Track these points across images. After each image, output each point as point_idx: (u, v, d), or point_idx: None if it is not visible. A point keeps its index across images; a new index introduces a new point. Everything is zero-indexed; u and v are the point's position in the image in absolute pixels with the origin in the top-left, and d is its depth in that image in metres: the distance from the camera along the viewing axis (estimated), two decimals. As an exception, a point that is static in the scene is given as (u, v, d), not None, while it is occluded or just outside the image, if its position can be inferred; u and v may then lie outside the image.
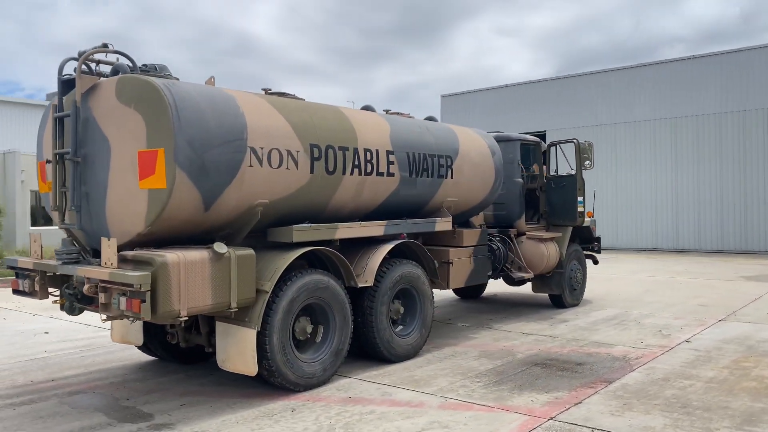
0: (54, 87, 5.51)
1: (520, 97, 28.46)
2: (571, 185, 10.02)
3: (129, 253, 4.97)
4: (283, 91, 6.73)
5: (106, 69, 5.58)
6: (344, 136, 6.29)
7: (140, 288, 4.63)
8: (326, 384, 5.98)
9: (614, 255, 21.80)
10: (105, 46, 5.47)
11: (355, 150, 6.36)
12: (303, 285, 5.74)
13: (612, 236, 24.79)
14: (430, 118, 8.75)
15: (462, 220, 8.51)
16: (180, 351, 6.66)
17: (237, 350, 5.48)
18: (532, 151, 10.43)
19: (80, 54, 5.44)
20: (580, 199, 10.06)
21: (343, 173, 6.24)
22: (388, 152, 6.78)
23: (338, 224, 6.24)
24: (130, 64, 5.42)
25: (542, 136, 27.42)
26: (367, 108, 7.71)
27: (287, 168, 5.67)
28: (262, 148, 5.44)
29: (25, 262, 5.68)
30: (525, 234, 9.79)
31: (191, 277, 4.93)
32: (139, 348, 6.93)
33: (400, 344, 6.83)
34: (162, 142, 4.87)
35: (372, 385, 5.98)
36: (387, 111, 8.25)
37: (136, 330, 6.45)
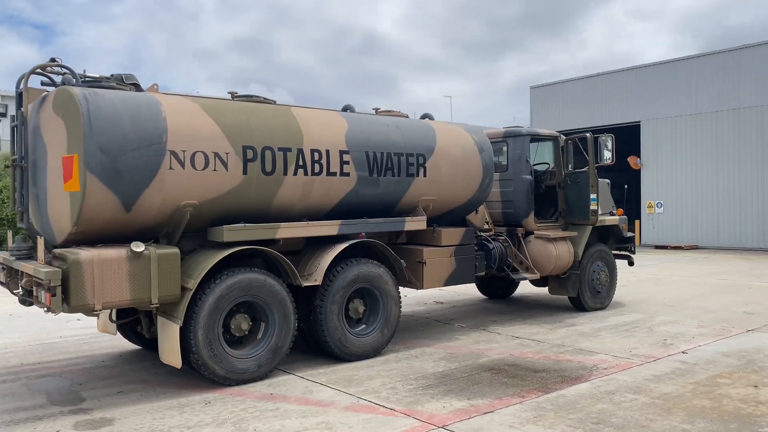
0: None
1: (612, 86, 26.94)
2: (585, 182, 9.44)
3: (57, 251, 5.40)
4: (252, 94, 7.00)
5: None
6: (287, 137, 6.39)
7: (50, 283, 5.04)
8: (262, 380, 6.13)
9: (707, 254, 20.14)
10: (53, 60, 5.95)
11: (300, 150, 6.45)
12: (234, 283, 5.93)
13: (713, 235, 22.96)
14: (426, 116, 8.63)
15: (451, 219, 8.31)
16: (152, 340, 7.08)
17: (167, 344, 5.78)
18: (551, 146, 9.95)
19: (36, 68, 5.97)
20: (593, 196, 9.45)
21: (285, 173, 6.34)
22: (342, 152, 6.79)
23: (280, 224, 6.36)
24: (74, 78, 5.84)
25: (635, 127, 25.84)
26: (346, 108, 7.78)
27: (214, 170, 5.87)
28: (184, 151, 5.68)
29: (-1, 256, 6.32)
30: (533, 233, 9.36)
31: (107, 273, 5.27)
32: (125, 337, 7.47)
33: (355, 343, 6.84)
34: (76, 148, 5.25)
35: (303, 383, 6.06)
36: (377, 110, 8.26)
37: (110, 322, 6.94)
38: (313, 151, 6.55)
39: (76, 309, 5.18)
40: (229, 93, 7.01)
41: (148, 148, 5.49)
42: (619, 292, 11.68)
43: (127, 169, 5.40)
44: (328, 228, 6.74)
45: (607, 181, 11.17)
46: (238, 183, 6.05)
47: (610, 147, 9.67)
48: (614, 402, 5.38)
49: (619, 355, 7.00)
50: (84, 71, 6.20)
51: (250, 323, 6.20)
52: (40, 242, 5.48)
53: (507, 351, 7.28)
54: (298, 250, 7.00)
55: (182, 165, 5.68)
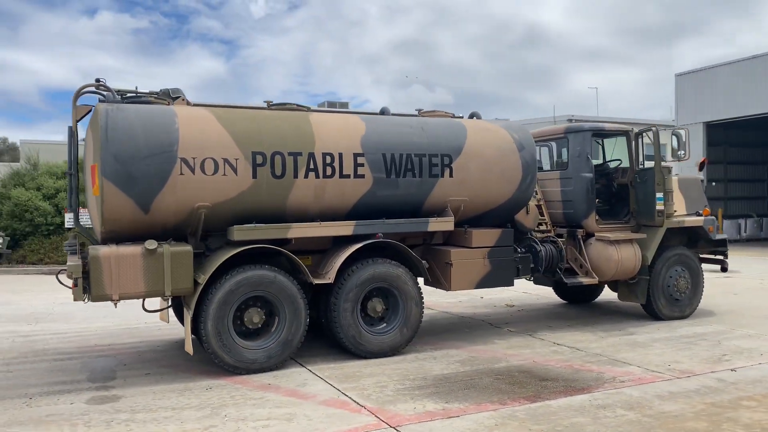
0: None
1: (771, 71, 24.02)
2: (651, 180, 8.71)
3: (89, 248, 6.21)
4: (287, 102, 7.47)
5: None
6: (298, 142, 6.72)
7: (72, 275, 5.83)
8: (272, 370, 6.51)
9: None
10: (98, 81, 6.79)
11: (311, 155, 6.74)
12: (243, 279, 6.38)
13: None
14: (474, 115, 8.54)
15: (494, 220, 8.11)
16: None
17: (187, 333, 6.39)
18: (621, 141, 9.31)
19: (98, 82, 6.83)
20: (659, 195, 8.67)
21: (295, 177, 6.68)
22: (356, 155, 6.98)
23: (291, 224, 6.70)
24: (115, 95, 6.62)
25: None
26: (383, 111, 7.98)
27: (224, 174, 6.36)
28: (194, 158, 6.23)
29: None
30: (594, 234, 8.83)
31: (123, 267, 5.97)
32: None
33: (371, 341, 7.00)
34: (97, 158, 6.00)
35: (305, 376, 6.35)
36: (420, 111, 8.34)
37: (166, 312, 7.76)
38: (325, 154, 6.81)
39: (96, 298, 5.93)
40: (265, 102, 7.52)
41: (160, 156, 6.11)
42: (718, 301, 10.61)
43: (141, 175, 6.05)
44: (343, 228, 6.96)
45: (701, 178, 10.17)
46: (248, 186, 6.49)
47: (682, 141, 8.81)
48: (596, 416, 5.03)
49: (653, 369, 6.45)
50: (136, 87, 7.03)
51: (264, 317, 6.61)
52: (80, 239, 6.33)
53: (533, 357, 7.01)
54: (325, 250, 7.30)
55: (192, 171, 6.23)
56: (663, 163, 9.00)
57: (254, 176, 6.50)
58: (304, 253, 7.25)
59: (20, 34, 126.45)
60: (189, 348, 6.31)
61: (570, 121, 40.58)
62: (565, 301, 11.01)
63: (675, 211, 9.20)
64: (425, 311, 10.21)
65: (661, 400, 5.43)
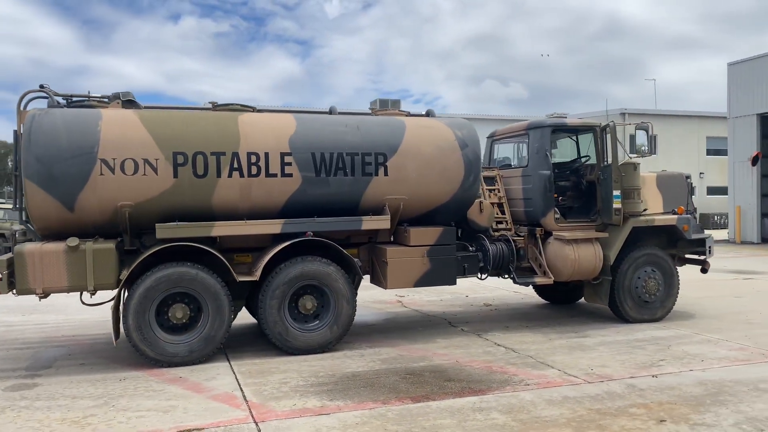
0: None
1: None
2: (609, 177, 8.38)
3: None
4: (233, 103, 7.70)
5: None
6: (222, 141, 6.89)
7: (-1, 269, 6.25)
8: (195, 364, 6.72)
9: None
10: (41, 87, 7.19)
11: (235, 154, 6.91)
12: (163, 276, 6.63)
13: None
14: (429, 113, 8.50)
15: (442, 219, 8.02)
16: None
17: (113, 326, 6.71)
18: (590, 137, 9.00)
19: (41, 88, 7.26)
20: (616, 193, 8.33)
21: (218, 176, 6.86)
22: (284, 154, 7.09)
23: (215, 222, 6.88)
24: (55, 100, 7.00)
25: None
26: (331, 110, 8.05)
27: (144, 174, 6.62)
28: (114, 159, 6.52)
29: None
30: (552, 233, 8.59)
31: (47, 263, 6.34)
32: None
33: (298, 338, 7.10)
34: (21, 160, 6.38)
35: (220, 371, 6.52)
36: (374, 110, 8.38)
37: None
38: (250, 154, 6.96)
39: (21, 292, 6.32)
40: (209, 103, 7.76)
41: (80, 157, 6.43)
42: (711, 304, 10.09)
43: (62, 175, 6.38)
44: (270, 227, 7.08)
45: (686, 174, 9.70)
46: (170, 186, 6.72)
47: (649, 136, 8.43)
48: (464, 419, 4.96)
49: (572, 373, 6.25)
50: (89, 92, 7.41)
51: (190, 313, 6.83)
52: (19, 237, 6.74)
53: (459, 358, 6.93)
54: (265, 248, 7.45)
55: (112, 171, 6.52)
56: (630, 159, 8.66)
57: (175, 176, 6.72)
58: (245, 251, 7.45)
59: (111, 41, 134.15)
60: (113, 340, 6.61)
61: (623, 115, 39.18)
62: (546, 302, 10.74)
63: (645, 209, 8.83)
64: (394, 308, 10.28)
65: (548, 405, 5.27)
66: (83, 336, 8.47)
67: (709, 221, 37.94)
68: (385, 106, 46.58)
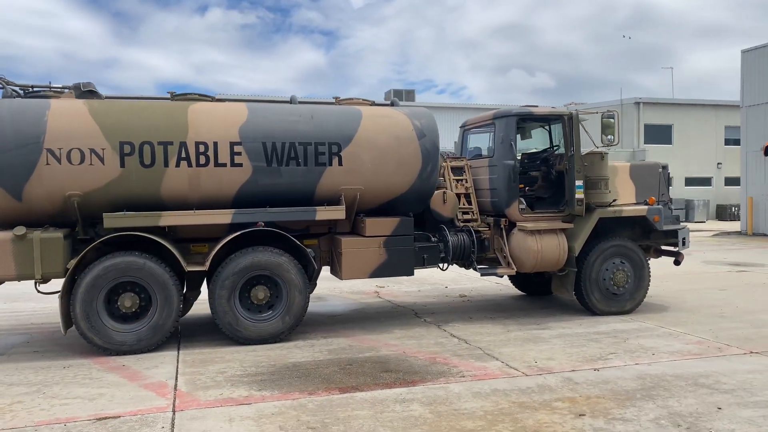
0: None
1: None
2: (571, 167, 8.22)
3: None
4: (191, 92, 7.71)
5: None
6: (170, 131, 6.90)
7: (-54, 258, 6.35)
8: (143, 352, 6.78)
9: None
10: (-1, 77, 7.27)
11: (182, 144, 6.91)
12: (111, 265, 6.68)
13: None
14: (393, 103, 8.43)
15: (402, 210, 7.95)
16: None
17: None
18: (560, 127, 8.84)
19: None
20: (578, 183, 8.18)
21: (166, 166, 6.87)
22: (233, 143, 7.08)
23: (162, 212, 6.90)
24: (10, 91, 7.08)
25: None
26: (291, 99, 8.02)
27: (91, 164, 6.66)
28: (60, 149, 6.57)
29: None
30: (516, 224, 8.47)
31: (-6, 252, 6.42)
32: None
33: (248, 328, 7.11)
34: (-32, 150, 6.47)
35: (164, 359, 6.55)
36: (337, 98, 8.35)
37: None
38: (198, 143, 6.96)
39: (-31, 279, 6.41)
40: (168, 93, 7.77)
41: (26, 147, 6.49)
42: (691, 296, 9.89)
43: (8, 165, 6.45)
44: (220, 217, 7.08)
45: (663, 164, 9.49)
46: (117, 176, 6.76)
47: (613, 125, 8.24)
48: (381, 410, 4.92)
49: (513, 366, 6.16)
50: (50, 83, 7.49)
51: (140, 302, 6.87)
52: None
53: (407, 349, 6.88)
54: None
55: (59, 161, 6.57)
56: (596, 149, 8.50)
57: (122, 165, 6.75)
58: (202, 241, 7.48)
59: (139, 33, 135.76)
60: (63, 330, 6.68)
61: (637, 104, 38.51)
62: (523, 293, 10.62)
63: (615, 199, 8.66)
64: (367, 299, 10.25)
65: (473, 397, 5.21)
66: (51, 324, 8.58)
67: (726, 212, 37.21)
68: (399, 96, 46.49)
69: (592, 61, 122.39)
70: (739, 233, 25.29)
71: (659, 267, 9.83)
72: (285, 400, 5.18)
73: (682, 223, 9.28)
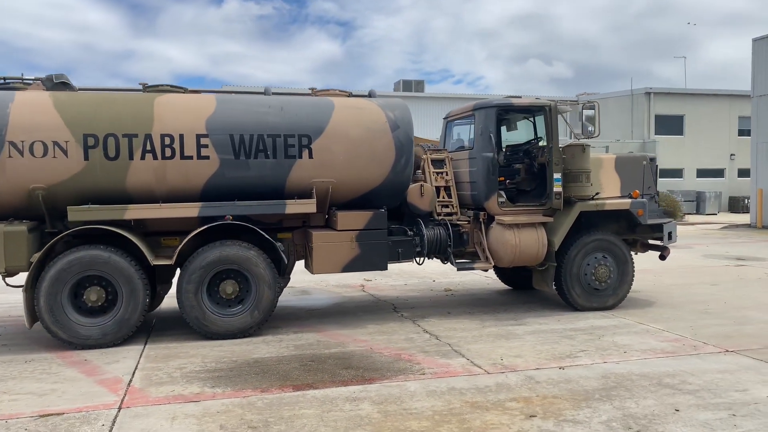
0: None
1: None
2: (550, 160, 8.03)
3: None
4: (163, 84, 7.62)
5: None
6: (135, 124, 6.81)
7: None
8: (108, 347, 6.73)
9: None
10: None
11: (148, 136, 6.83)
12: (75, 259, 6.62)
13: None
14: (371, 94, 8.29)
15: (377, 203, 7.81)
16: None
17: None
18: (540, 118, 8.64)
19: None
20: (556, 176, 7.99)
21: (131, 158, 6.79)
22: (200, 135, 6.98)
23: (128, 205, 6.83)
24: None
25: None
26: (265, 90, 7.90)
27: (54, 157, 6.60)
28: (23, 141, 6.51)
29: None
30: (495, 218, 8.30)
31: (-42, 245, 6.39)
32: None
33: (216, 322, 7.03)
34: (-69, 143, 6.43)
35: (127, 354, 6.49)
36: (313, 89, 8.22)
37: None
38: (164, 135, 6.87)
39: (-67, 272, 6.39)
40: (140, 84, 7.69)
41: (-12, 140, 6.43)
42: (682, 291, 9.68)
43: (-30, 158, 6.40)
44: (187, 210, 6.99)
45: (651, 156, 9.27)
46: (81, 168, 6.69)
47: (592, 117, 8.03)
48: (329, 409, 4.81)
49: (477, 363, 6.03)
50: (22, 74, 7.45)
51: (106, 296, 6.82)
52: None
53: (375, 345, 6.77)
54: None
55: (21, 153, 6.52)
56: (578, 141, 8.29)
57: (86, 158, 6.68)
58: (173, 234, 7.41)
59: (156, 25, 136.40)
60: (27, 324, 6.65)
61: (647, 95, 37.92)
62: (509, 288, 10.46)
63: (598, 192, 8.46)
64: (351, 292, 10.15)
65: (427, 396, 5.08)
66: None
67: (738, 205, 36.62)
68: (408, 87, 45.96)
69: (611, 51, 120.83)
70: (748, 226, 24.86)
71: (655, 261, 9.60)
72: (235, 398, 5.09)
73: (667, 218, 9.06)
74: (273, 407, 4.87)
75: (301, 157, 7.29)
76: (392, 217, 8.51)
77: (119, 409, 4.88)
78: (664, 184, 34.97)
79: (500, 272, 10.38)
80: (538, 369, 5.82)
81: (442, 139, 9.77)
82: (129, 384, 5.50)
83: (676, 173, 37.69)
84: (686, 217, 30.22)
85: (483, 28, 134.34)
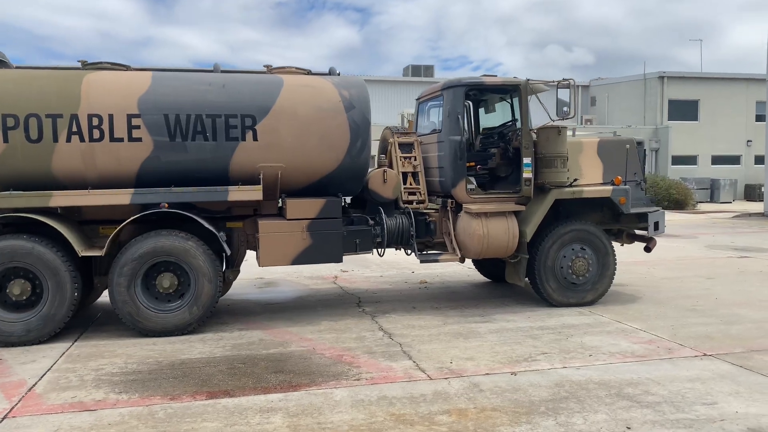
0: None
1: None
2: (519, 143, 7.37)
3: None
4: (102, 61, 7.07)
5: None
6: (60, 103, 6.27)
7: None
8: (36, 344, 6.25)
9: None
10: None
11: (74, 116, 6.28)
12: (-6, 249, 6.13)
13: None
14: (331, 71, 7.68)
15: (335, 191, 7.22)
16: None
17: (-53, 301, 6.27)
18: (517, 100, 7.98)
19: None
20: (526, 161, 7.33)
21: (55, 140, 6.26)
22: (131, 116, 6.42)
23: (53, 192, 6.30)
24: None
25: None
26: (215, 67, 7.33)
27: (-30, 138, 6.08)
28: (-64, 122, 6.00)
29: None
30: (463, 206, 7.68)
31: None
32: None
33: (150, 319, 6.51)
34: None
35: (50, 353, 6.00)
36: (269, 67, 7.63)
37: None
38: (91, 116, 6.33)
39: None
40: (78, 62, 7.15)
41: None
42: (676, 285, 9.01)
43: None
44: (117, 197, 6.46)
45: (638, 139, 8.57)
46: (0, 151, 6.17)
47: (568, 97, 7.34)
48: (232, 423, 4.26)
49: (423, 367, 5.45)
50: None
51: (32, 289, 6.33)
52: None
53: (319, 344, 6.21)
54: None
55: (-66, 135, 6.00)
56: (553, 123, 7.61)
57: (5, 140, 6.17)
58: (112, 223, 6.88)
59: (175, 12, 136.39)
60: None
61: (661, 79, 36.74)
62: (488, 280, 9.84)
63: (576, 179, 7.80)
64: (320, 285, 9.62)
65: (351, 407, 4.51)
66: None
67: (755, 193, 35.43)
68: (417, 72, 45.10)
69: (632, 36, 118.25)
70: (762, 215, 23.94)
71: (651, 252, 8.88)
72: (137, 407, 4.56)
73: (655, 206, 8.38)
74: (173, 419, 4.33)
75: (244, 139, 6.71)
76: (356, 206, 7.97)
77: (4, 418, 4.37)
78: (677, 172, 33.95)
79: (479, 264, 9.77)
80: (487, 374, 5.22)
81: (414, 121, 9.13)
82: (31, 388, 5.00)
83: (690, 160, 36.56)
84: (699, 205, 29.26)
85: (502, 14, 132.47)
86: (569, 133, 7.86)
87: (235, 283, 9.27)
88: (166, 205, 6.56)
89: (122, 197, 6.46)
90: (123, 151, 6.43)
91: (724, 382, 4.94)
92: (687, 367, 5.34)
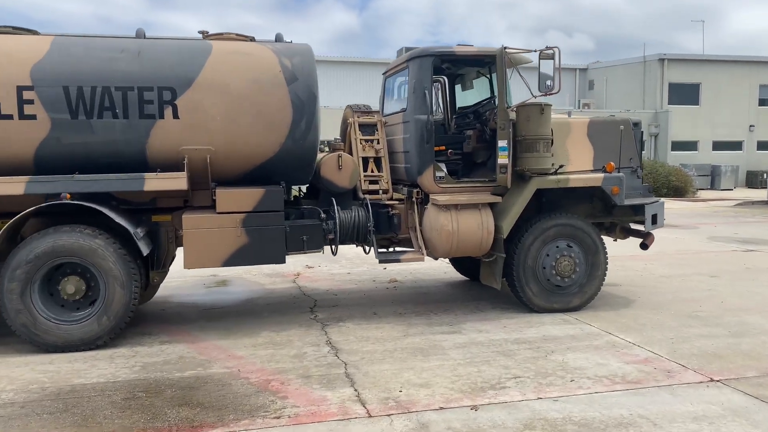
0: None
1: None
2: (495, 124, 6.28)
3: None
4: (20, 27, 5.99)
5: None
6: (-67, 73, 5.18)
7: None
8: None
9: None
10: None
11: (-48, 89, 5.19)
12: None
13: None
14: (278, 38, 6.56)
15: (278, 180, 6.14)
16: None
17: None
18: (494, 72, 6.88)
19: None
20: (502, 144, 6.24)
21: (-71, 119, 5.17)
22: (22, 88, 5.33)
23: (-72, 180, 5.23)
24: None
25: None
26: (139, 33, 6.20)
27: None
28: None
29: None
30: (430, 197, 6.61)
31: None
32: None
33: (51, 331, 5.45)
34: None
35: None
36: (204, 33, 6.52)
37: None
38: (-26, 89, 5.23)
39: None
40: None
41: None
42: (676, 286, 7.97)
43: None
44: (9, 186, 5.38)
45: (634, 120, 7.47)
46: None
47: (551, 70, 6.22)
48: (90, 488, 3.20)
49: (363, 396, 4.41)
50: None
51: None
52: None
53: (247, 365, 5.17)
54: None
55: None
56: (535, 99, 6.51)
57: None
58: (7, 216, 5.79)
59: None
60: None
61: (661, 61, 35.49)
62: (466, 278, 8.79)
63: (562, 165, 6.71)
64: (277, 284, 8.61)
65: (254, 462, 3.46)
66: None
67: (757, 179, 34.34)
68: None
69: (634, 22, 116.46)
70: (765, 203, 22.87)
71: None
72: (-22, 460, 3.51)
73: (654, 197, 7.30)
74: (15, 481, 3.28)
75: (162, 116, 5.62)
76: (312, 196, 6.92)
77: None
78: (677, 158, 32.81)
79: (455, 260, 8.71)
80: (441, 409, 4.17)
81: (381, 100, 8.03)
82: None
83: (691, 146, 35.41)
84: (699, 192, 28.18)
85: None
86: (563, 115, 6.79)
87: (183, 282, 8.30)
88: (68, 195, 5.47)
89: (15, 186, 5.39)
90: (14, 131, 5.35)
91: (737, 423, 3.90)
92: (689, 399, 4.30)
